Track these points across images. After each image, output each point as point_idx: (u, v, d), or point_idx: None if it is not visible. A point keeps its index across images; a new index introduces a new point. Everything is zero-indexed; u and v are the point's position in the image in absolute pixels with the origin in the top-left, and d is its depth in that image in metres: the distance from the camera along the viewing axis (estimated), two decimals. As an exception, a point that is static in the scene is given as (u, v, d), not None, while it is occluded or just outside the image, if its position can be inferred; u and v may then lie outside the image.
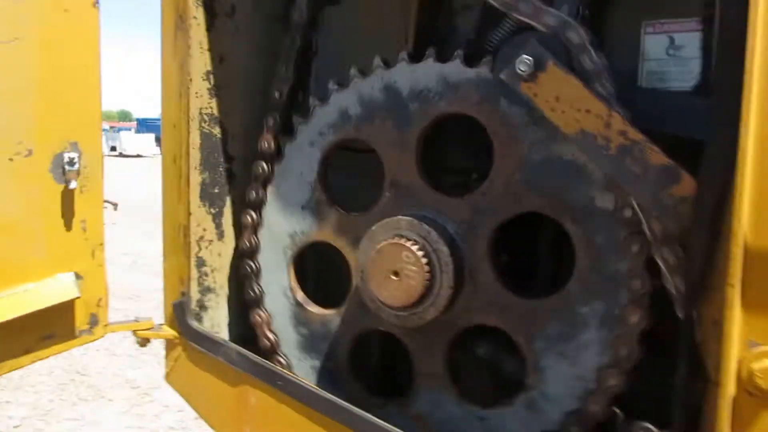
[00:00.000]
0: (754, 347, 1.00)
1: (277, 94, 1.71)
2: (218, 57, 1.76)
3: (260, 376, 1.61)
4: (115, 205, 13.99)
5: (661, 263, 1.13)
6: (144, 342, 1.78)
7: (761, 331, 1.00)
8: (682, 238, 1.09)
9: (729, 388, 1.01)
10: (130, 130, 54.15)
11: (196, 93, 1.72)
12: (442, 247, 1.35)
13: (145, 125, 53.95)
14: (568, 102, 1.18)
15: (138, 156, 36.50)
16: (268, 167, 1.70)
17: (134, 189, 16.91)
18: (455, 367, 1.49)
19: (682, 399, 1.07)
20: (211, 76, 1.75)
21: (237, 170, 1.82)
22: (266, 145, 1.70)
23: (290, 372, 1.65)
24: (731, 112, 0.95)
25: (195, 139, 1.73)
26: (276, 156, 1.70)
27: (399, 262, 1.41)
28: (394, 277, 1.42)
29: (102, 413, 4.94)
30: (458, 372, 1.50)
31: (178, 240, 1.76)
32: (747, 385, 1.01)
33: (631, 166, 1.13)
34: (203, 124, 1.74)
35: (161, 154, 1.83)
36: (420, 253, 1.35)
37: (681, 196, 1.08)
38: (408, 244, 1.38)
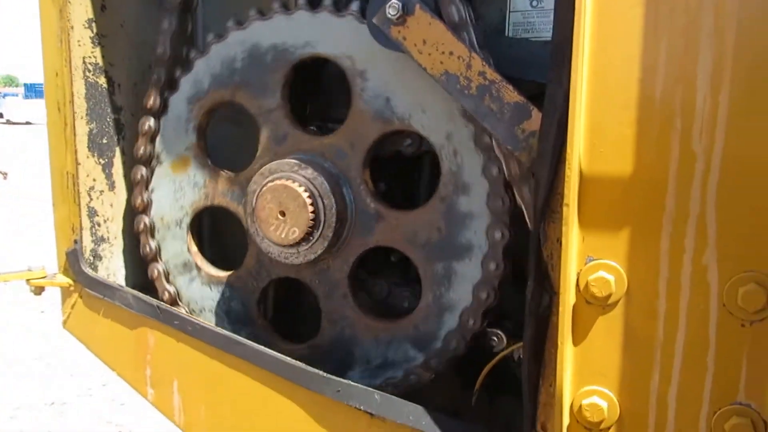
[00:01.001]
0: (590, 261, 1.15)
1: (161, 49, 1.72)
2: (100, 4, 1.74)
3: (158, 317, 1.66)
4: (4, 174, 13.31)
5: (515, 189, 1.26)
6: (38, 290, 1.79)
7: (596, 247, 1.14)
8: (532, 167, 1.22)
9: (570, 297, 1.16)
10: (16, 95, 51.11)
11: (78, 41, 1.71)
12: (322, 183, 1.44)
13: (33, 91, 51.01)
14: (434, 45, 1.28)
15: (27, 123, 34.39)
16: (155, 123, 1.72)
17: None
18: (356, 290, 1.59)
19: (532, 310, 1.21)
20: (94, 24, 1.73)
21: (126, 121, 1.82)
22: (152, 102, 1.71)
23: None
24: (565, 55, 1.07)
25: (79, 88, 1.72)
26: (162, 111, 1.72)
27: (284, 202, 1.48)
28: (281, 217, 1.49)
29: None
30: (359, 295, 1.60)
31: (66, 189, 1.76)
32: (585, 294, 1.15)
33: (489, 104, 1.24)
34: (87, 74, 1.74)
35: (45, 102, 1.81)
36: (301, 189, 1.43)
37: (531, 130, 1.21)
38: (290, 183, 1.45)
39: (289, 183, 1.45)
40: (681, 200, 1.09)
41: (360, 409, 1.44)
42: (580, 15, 1.05)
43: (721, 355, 1.10)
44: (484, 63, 1.23)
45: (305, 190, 1.44)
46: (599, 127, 1.11)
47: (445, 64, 1.27)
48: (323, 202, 1.44)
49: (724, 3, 1.03)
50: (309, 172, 1.45)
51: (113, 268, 1.86)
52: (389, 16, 1.29)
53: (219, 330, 1.60)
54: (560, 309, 1.16)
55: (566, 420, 1.21)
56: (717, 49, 1.04)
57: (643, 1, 1.07)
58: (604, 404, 1.18)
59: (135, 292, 1.71)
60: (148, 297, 1.69)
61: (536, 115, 1.20)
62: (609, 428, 1.19)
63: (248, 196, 1.53)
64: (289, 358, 1.52)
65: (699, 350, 1.11)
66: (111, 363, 1.82)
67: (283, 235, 1.48)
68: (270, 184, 1.50)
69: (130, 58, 1.83)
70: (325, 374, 1.47)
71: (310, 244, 1.49)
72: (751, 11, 1.03)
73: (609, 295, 1.14)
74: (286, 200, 1.48)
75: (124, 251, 1.87)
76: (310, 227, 1.45)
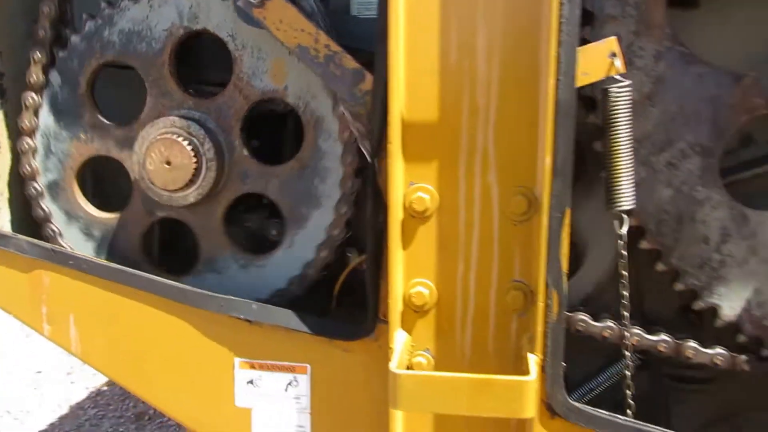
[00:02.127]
0: (412, 185, 1.57)
1: (41, 32, 1.91)
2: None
3: (53, 259, 1.89)
4: None
5: (356, 134, 1.65)
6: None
7: (415, 174, 1.56)
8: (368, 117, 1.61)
9: (398, 213, 1.57)
10: None
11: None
12: (204, 138, 1.75)
13: None
14: (289, 23, 1.62)
15: None
16: (38, 97, 1.92)
17: None
18: (229, 228, 1.91)
19: (371, 225, 1.61)
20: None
21: (8, 85, 2.00)
22: (34, 78, 1.90)
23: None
24: (384, 26, 1.46)
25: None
26: (45, 85, 1.91)
27: (170, 153, 1.78)
28: (167, 166, 1.78)
29: None
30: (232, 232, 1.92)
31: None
32: (409, 210, 1.57)
33: (333, 70, 1.62)
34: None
35: None
36: (185, 143, 1.74)
37: (366, 89, 1.60)
38: (175, 137, 1.75)
39: (174, 137, 1.75)
40: (471, 139, 1.53)
41: (240, 318, 1.78)
42: (394, 5, 1.45)
43: (502, 246, 1.57)
44: (328, 37, 1.60)
45: (189, 144, 1.74)
46: (413, 87, 1.52)
47: (298, 39, 1.62)
48: (204, 154, 1.75)
49: (494, -3, 1.47)
50: (193, 127, 1.76)
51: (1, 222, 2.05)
52: (251, 0, 1.62)
53: (112, 265, 1.87)
54: (390, 222, 1.57)
55: (399, 307, 1.63)
56: (490, 28, 1.48)
57: (441, -8, 1.48)
58: (426, 291, 1.61)
59: (28, 238, 1.92)
60: (41, 242, 1.91)
61: (369, 77, 1.59)
62: (430, 309, 1.63)
63: (137, 147, 1.81)
64: (178, 283, 1.83)
65: (488, 244, 1.57)
66: (6, 306, 2.02)
67: (168, 182, 1.78)
68: (158, 137, 1.78)
69: (9, 23, 1.98)
70: (209, 293, 1.80)
71: (192, 189, 1.79)
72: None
73: (426, 210, 1.56)
74: (172, 151, 1.77)
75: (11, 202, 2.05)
76: (192, 175, 1.76)
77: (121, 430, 4.60)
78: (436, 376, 1.50)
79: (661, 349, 1.74)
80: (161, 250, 2.11)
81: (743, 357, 1.70)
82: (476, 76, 1.50)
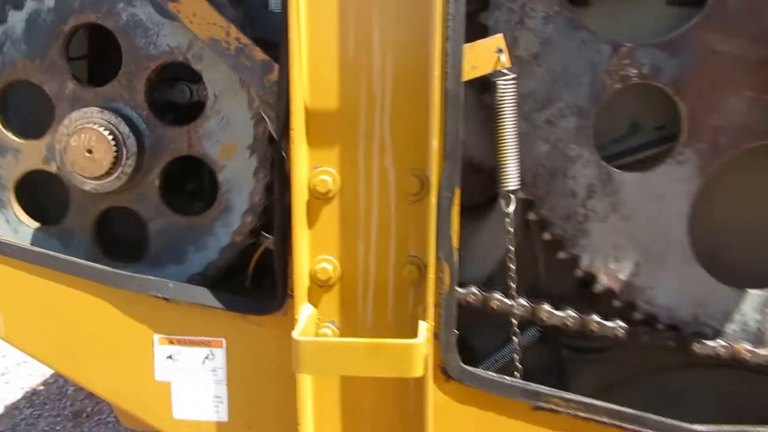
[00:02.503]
0: (315, 169, 1.70)
1: None
2: None
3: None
4: None
5: (267, 121, 1.78)
6: None
7: (318, 159, 1.69)
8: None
9: (303, 195, 1.70)
10: None
11: None
12: (118, 121, 1.85)
13: None
14: (202, 17, 1.74)
15: None
16: None
17: None
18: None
19: (279, 206, 1.74)
20: None
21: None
22: None
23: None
24: (286, 20, 1.59)
25: None
26: None
27: (89, 143, 1.87)
28: (89, 155, 1.88)
29: None
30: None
31: None
32: (313, 192, 1.70)
33: (244, 61, 1.74)
34: None
35: None
36: (102, 128, 1.84)
37: (274, 79, 1.73)
38: (91, 125, 1.85)
39: (90, 126, 1.85)
40: (369, 126, 1.67)
41: (158, 297, 1.89)
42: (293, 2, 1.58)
43: (399, 224, 1.71)
44: (238, 31, 1.72)
45: (105, 129, 1.84)
46: (315, 78, 1.65)
47: (210, 32, 1.74)
48: (122, 136, 1.85)
49: (387, -4, 1.62)
50: (105, 114, 1.86)
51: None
52: (167, -6, 1.73)
53: (35, 249, 1.95)
54: (295, 204, 1.70)
55: (306, 283, 1.75)
56: (384, 25, 1.63)
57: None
58: (330, 267, 1.74)
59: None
60: None
61: (277, 68, 1.72)
62: (335, 284, 1.76)
63: (59, 148, 1.89)
64: (98, 265, 1.92)
65: (386, 223, 1.71)
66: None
67: (95, 170, 1.87)
68: (74, 132, 1.87)
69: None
70: (128, 273, 1.90)
71: (120, 170, 1.89)
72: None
73: (328, 191, 1.69)
74: (90, 141, 1.87)
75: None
76: (115, 157, 1.86)
77: (58, 428, 4.61)
78: (334, 342, 1.63)
79: (569, 323, 1.91)
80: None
81: (642, 328, 1.89)
82: (372, 68, 1.64)
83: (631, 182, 1.80)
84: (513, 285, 1.79)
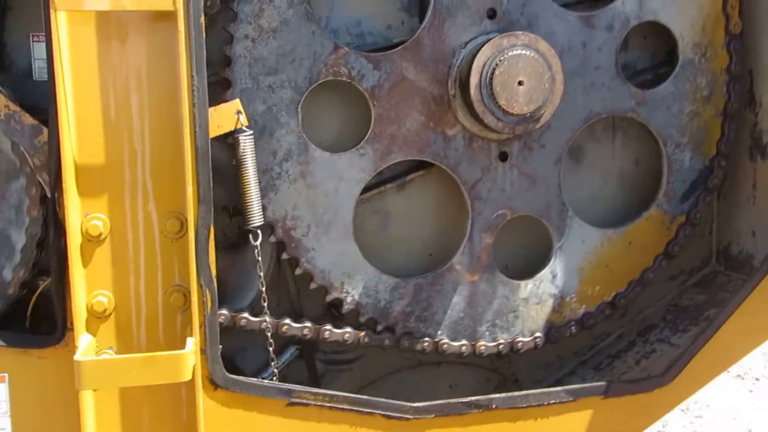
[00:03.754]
0: (88, 215, 1.97)
1: None
2: None
3: None
4: None
5: (39, 177, 2.03)
6: None
7: (90, 206, 1.97)
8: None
9: (77, 239, 1.96)
10: None
11: None
12: None
13: None
14: (-27, 88, 1.97)
15: None
16: None
17: None
18: None
19: (54, 249, 1.99)
20: None
21: None
22: None
23: None
24: (53, 89, 1.87)
25: None
26: None
27: None
28: None
29: None
30: None
31: None
32: (86, 235, 1.97)
33: (14, 125, 1.99)
34: None
35: None
36: None
37: (44, 140, 1.99)
38: None
39: None
40: (133, 176, 1.99)
41: (-62, 342, 2.03)
42: (58, 74, 1.87)
43: (164, 259, 2.03)
44: (7, 100, 1.97)
45: None
46: (83, 136, 1.94)
47: (-15, 101, 1.97)
48: None
49: (140, 67, 1.96)
50: None
51: None
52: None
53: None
54: (71, 247, 1.96)
55: (84, 315, 2.00)
56: (140, 92, 1.96)
57: (97, 52, 1.93)
58: (105, 300, 2.01)
59: None
60: None
61: (46, 130, 1.98)
62: (110, 314, 2.03)
63: None
64: None
65: (153, 258, 2.03)
66: None
67: None
68: None
69: None
70: None
71: None
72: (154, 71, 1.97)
73: (100, 234, 1.98)
74: None
75: None
76: None
77: None
78: (112, 359, 1.91)
79: (306, 333, 2.32)
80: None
81: (365, 333, 2.36)
82: (132, 128, 1.97)
83: (322, 158, 2.28)
84: (264, 305, 2.18)
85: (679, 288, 2.78)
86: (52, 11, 1.81)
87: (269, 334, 2.22)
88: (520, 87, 2.22)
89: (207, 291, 2.02)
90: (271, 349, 2.22)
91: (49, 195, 2.01)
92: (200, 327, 2.03)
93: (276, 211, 2.26)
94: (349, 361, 2.64)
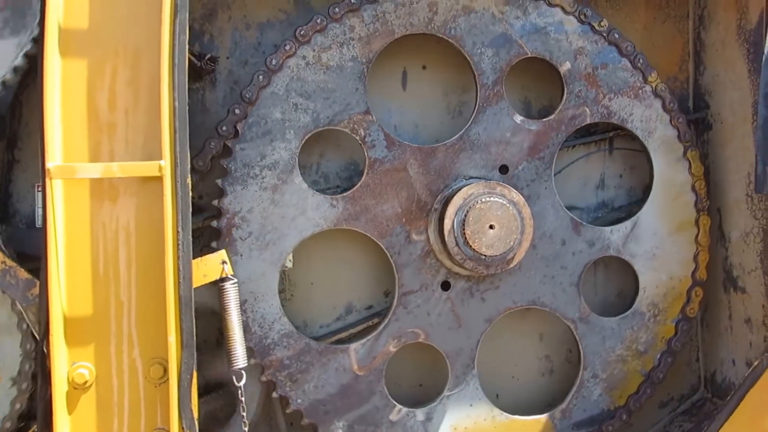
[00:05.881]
0: (74, 364, 2.06)
1: None
2: None
3: None
4: None
5: (32, 327, 2.13)
6: None
7: (76, 356, 2.06)
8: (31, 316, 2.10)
9: (63, 387, 2.04)
10: None
11: None
12: None
13: None
14: (-29, 245, 2.10)
15: None
16: None
17: None
18: None
19: (42, 396, 2.07)
20: None
21: None
22: None
23: None
24: (45, 244, 2.00)
25: None
26: None
27: None
28: None
29: None
30: None
31: None
32: (72, 384, 2.05)
33: (10, 280, 2.11)
34: None
35: None
36: None
37: (36, 294, 2.10)
38: None
39: None
40: (118, 327, 2.09)
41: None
42: (51, 232, 2.01)
43: (147, 403, 2.10)
44: (4, 255, 2.10)
45: None
46: (72, 289, 2.05)
47: (-20, 256, 2.10)
48: None
49: (129, 223, 2.09)
50: None
51: None
52: (-62, 227, 2.07)
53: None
54: (57, 394, 2.03)
55: (68, 462, 2.06)
56: (128, 248, 2.09)
57: (89, 211, 2.06)
58: (89, 446, 2.07)
59: None
60: None
61: (38, 284, 2.10)
62: (94, 464, 2.08)
63: None
64: None
65: (136, 403, 2.10)
66: None
67: None
68: None
69: None
70: None
71: None
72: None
73: (86, 382, 2.06)
74: None
75: None
76: None
77: None
78: None
79: None
80: None
81: None
82: (119, 280, 2.09)
83: (300, 186, 2.48)
84: (246, 443, 2.24)
85: (669, 415, 2.84)
86: (47, 179, 1.97)
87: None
88: (490, 231, 2.36)
89: (188, 432, 2.08)
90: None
91: (39, 342, 2.11)
92: (182, 469, 2.08)
93: (232, 204, 2.42)
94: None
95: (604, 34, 2.60)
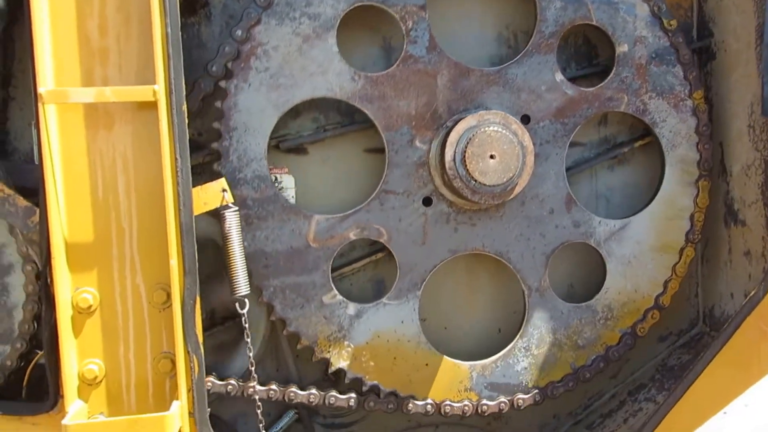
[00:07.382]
0: (77, 290, 2.09)
1: None
2: None
3: None
4: None
5: (33, 255, 2.15)
6: None
7: (79, 281, 2.08)
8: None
9: (67, 311, 2.07)
10: None
11: None
12: None
13: None
14: (-31, 172, 2.10)
15: None
16: None
17: None
18: None
19: (47, 322, 2.10)
20: None
21: None
22: None
23: None
24: (41, 172, 2.00)
25: None
26: None
27: None
28: None
29: None
30: None
31: None
32: (77, 308, 2.08)
33: (9, 208, 2.11)
34: None
35: None
36: None
37: (36, 221, 2.11)
38: None
39: None
40: (120, 252, 2.10)
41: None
42: (47, 159, 1.99)
43: (152, 328, 2.14)
44: (2, 184, 2.09)
45: None
46: (72, 216, 2.06)
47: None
48: None
49: (126, 151, 2.08)
50: None
51: None
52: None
53: None
54: (61, 319, 2.07)
55: (75, 382, 2.11)
56: (127, 175, 2.08)
57: (85, 138, 2.04)
58: (96, 368, 2.12)
59: None
60: None
61: (38, 212, 2.10)
62: (101, 381, 2.13)
63: None
64: None
65: (141, 327, 2.14)
66: None
67: None
68: None
69: None
70: None
71: None
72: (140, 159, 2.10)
73: (90, 306, 2.09)
74: None
75: None
76: None
77: None
78: (99, 422, 2.02)
79: (312, 399, 2.46)
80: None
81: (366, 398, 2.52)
82: (119, 207, 2.09)
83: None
84: (252, 370, 2.30)
85: (668, 349, 2.89)
86: (40, 104, 1.94)
87: (257, 398, 2.33)
88: (490, 160, 2.35)
89: (194, 357, 2.13)
90: (259, 411, 2.33)
91: (41, 269, 2.13)
92: (188, 391, 2.14)
93: (261, 34, 2.37)
94: (347, 424, 2.75)
95: (669, 34, 2.55)
